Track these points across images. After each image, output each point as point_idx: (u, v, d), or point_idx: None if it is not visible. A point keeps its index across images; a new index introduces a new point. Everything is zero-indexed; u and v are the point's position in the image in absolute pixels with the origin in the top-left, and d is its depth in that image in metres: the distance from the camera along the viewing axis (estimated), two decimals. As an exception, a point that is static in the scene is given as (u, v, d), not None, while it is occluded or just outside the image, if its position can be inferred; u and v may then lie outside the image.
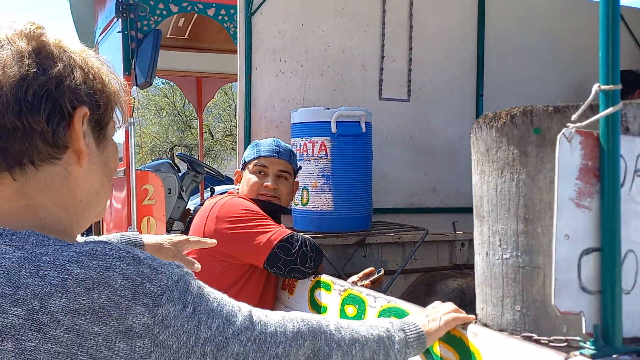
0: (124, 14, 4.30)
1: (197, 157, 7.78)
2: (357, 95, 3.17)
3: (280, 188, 2.18)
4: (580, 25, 3.70)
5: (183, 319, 0.78)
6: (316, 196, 2.56)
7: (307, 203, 2.59)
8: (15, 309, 0.72)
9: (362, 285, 1.92)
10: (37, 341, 0.71)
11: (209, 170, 5.65)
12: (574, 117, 1.00)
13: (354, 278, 2.05)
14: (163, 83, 20.16)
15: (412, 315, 1.26)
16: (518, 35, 3.59)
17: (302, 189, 2.59)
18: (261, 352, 0.87)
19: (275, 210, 2.15)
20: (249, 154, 2.25)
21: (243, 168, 2.26)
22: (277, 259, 1.89)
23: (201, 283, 0.86)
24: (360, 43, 3.18)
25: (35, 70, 0.80)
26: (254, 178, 2.17)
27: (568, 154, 1.00)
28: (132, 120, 4.28)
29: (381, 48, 3.23)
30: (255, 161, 2.19)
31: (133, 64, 4.28)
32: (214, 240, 1.57)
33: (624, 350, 0.99)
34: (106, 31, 4.90)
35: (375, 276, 2.03)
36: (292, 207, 2.69)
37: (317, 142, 2.55)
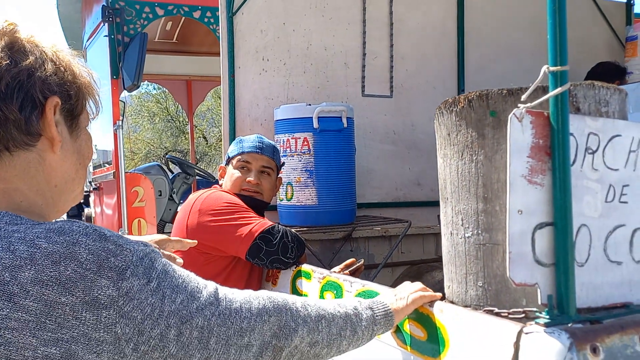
0: (110, 19, 4.34)
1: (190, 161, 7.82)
2: (340, 92, 3.21)
3: (262, 183, 2.22)
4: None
5: (147, 292, 0.83)
6: (300, 191, 2.61)
7: (291, 198, 2.63)
8: None
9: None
10: (8, 310, 0.75)
11: (199, 172, 5.69)
12: (523, 97, 1.05)
13: (336, 269, 2.09)
14: (155, 89, 20.22)
15: (381, 295, 1.30)
16: (499, 29, 3.64)
17: (287, 184, 2.63)
18: (225, 327, 0.91)
19: (257, 205, 2.19)
20: (232, 149, 2.30)
21: (227, 163, 2.30)
22: (259, 250, 1.94)
23: (167, 261, 0.90)
24: (342, 40, 3.23)
25: (7, 62, 0.86)
26: (237, 173, 2.21)
27: (519, 132, 1.05)
28: (120, 124, 4.33)
29: (363, 45, 3.28)
30: (239, 157, 2.24)
31: (120, 67, 4.32)
32: (194, 241, 1.61)
33: (577, 319, 1.04)
34: (93, 36, 4.94)
35: (355, 266, 2.08)
36: (277, 203, 2.73)
37: (299, 138, 2.60)
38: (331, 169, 2.61)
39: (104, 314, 0.78)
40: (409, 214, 3.15)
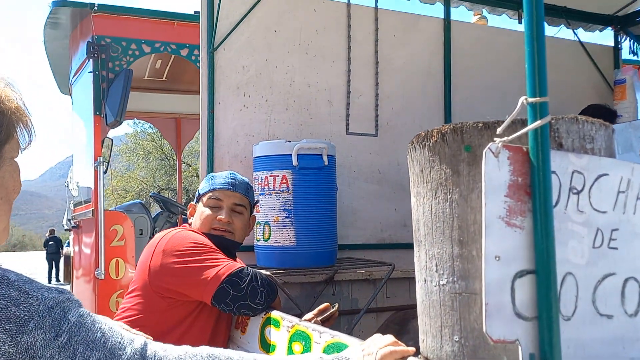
0: (95, 55, 4.30)
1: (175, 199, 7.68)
2: (324, 130, 3.13)
3: (234, 222, 2.10)
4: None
5: (54, 349, 0.71)
6: (278, 231, 2.48)
7: (269, 238, 2.50)
8: None
9: (315, 322, 1.83)
10: None
11: (184, 210, 5.56)
12: (499, 130, 0.95)
13: (309, 315, 1.95)
14: (151, 127, 20.23)
15: (348, 349, 1.17)
16: (484, 69, 3.61)
17: (264, 224, 2.51)
18: None
19: (229, 245, 2.07)
20: (203, 186, 2.19)
21: (197, 201, 2.19)
22: (226, 294, 1.80)
23: (87, 312, 0.78)
24: (326, 78, 3.17)
25: None
26: (207, 211, 2.10)
27: (495, 169, 0.95)
28: (101, 160, 4.23)
29: (347, 83, 3.22)
30: (210, 194, 2.12)
31: (103, 103, 4.25)
32: None
33: (563, 381, 0.91)
34: (79, 72, 4.89)
35: (330, 312, 1.94)
36: (254, 243, 2.61)
37: (278, 176, 2.49)
38: (311, 208, 2.49)
39: None
40: (394, 257, 3.02)
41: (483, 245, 0.93)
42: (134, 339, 0.82)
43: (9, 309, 0.69)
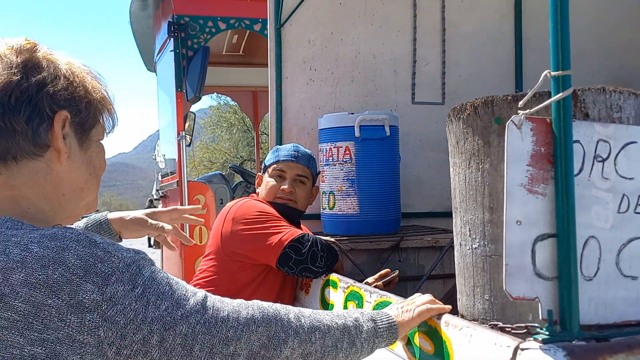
0: (176, 34, 4.54)
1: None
2: (389, 100, 3.19)
3: (297, 192, 2.25)
4: (625, 18, 3.57)
5: (131, 298, 0.86)
6: (342, 200, 2.60)
7: (333, 207, 2.63)
8: None
9: (376, 287, 1.95)
10: None
11: (262, 180, 5.80)
12: (520, 103, 1.01)
13: (370, 280, 2.07)
14: (233, 100, 20.83)
15: (388, 307, 1.28)
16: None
17: (329, 193, 2.64)
18: (210, 335, 0.92)
19: (291, 213, 2.22)
20: (269, 158, 2.34)
21: (263, 172, 2.34)
22: (289, 258, 1.96)
23: (158, 269, 0.93)
24: (392, 48, 3.20)
25: (18, 78, 0.92)
26: (272, 181, 2.25)
27: (518, 140, 1.01)
28: (183, 134, 4.50)
29: (413, 52, 3.24)
30: (274, 165, 2.27)
31: (184, 80, 4.50)
32: (196, 206, 1.63)
33: (580, 336, 0.98)
34: (162, 51, 5.18)
35: (390, 276, 2.05)
36: (320, 211, 2.75)
37: (341, 147, 2.60)
38: (373, 178, 2.59)
39: (88, 318, 0.82)
40: (461, 224, 3.06)
41: (504, 211, 1.00)
42: (197, 291, 0.96)
43: (96, 265, 0.84)
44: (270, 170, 2.29)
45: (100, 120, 1.04)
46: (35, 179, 0.94)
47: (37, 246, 0.84)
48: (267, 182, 2.27)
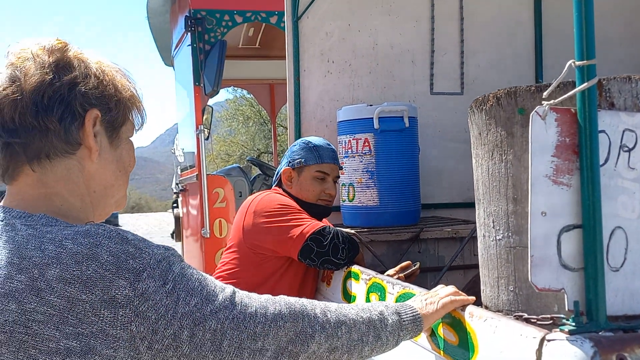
0: (193, 28, 4.55)
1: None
2: (407, 91, 3.18)
3: (335, 193, 2.30)
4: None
5: (162, 294, 0.87)
6: (361, 192, 2.61)
7: (353, 199, 2.64)
8: (20, 276, 0.85)
9: (398, 279, 1.95)
10: (35, 304, 0.83)
11: (279, 173, 5.82)
12: (545, 94, 1.01)
13: (391, 272, 2.08)
14: (248, 93, 20.88)
15: (412, 298, 1.29)
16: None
17: (349, 185, 2.65)
18: (239, 330, 0.94)
19: (327, 213, 2.28)
20: (307, 156, 2.28)
21: (295, 168, 2.29)
22: (310, 250, 1.97)
23: (187, 265, 0.94)
24: (409, 39, 3.19)
25: (51, 77, 0.94)
26: (315, 183, 2.26)
27: (542, 131, 1.00)
28: (202, 128, 4.53)
29: (431, 42, 3.22)
30: (318, 167, 2.26)
31: (202, 74, 4.52)
32: None
33: (607, 327, 0.97)
34: (179, 45, 5.21)
35: (411, 269, 2.06)
36: (340, 204, 2.75)
37: (360, 139, 2.60)
38: (392, 170, 2.59)
39: (121, 313, 0.84)
40: (481, 214, 3.05)
41: (529, 202, 1.00)
42: (225, 287, 0.98)
43: (128, 261, 0.86)
44: (312, 171, 2.26)
45: (130, 118, 1.05)
46: (68, 177, 0.96)
47: (71, 243, 0.86)
48: (309, 182, 2.25)
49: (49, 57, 0.95)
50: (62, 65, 0.95)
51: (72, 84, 0.95)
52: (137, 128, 1.09)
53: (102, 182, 1.00)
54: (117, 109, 1.01)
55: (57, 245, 0.86)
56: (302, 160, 2.29)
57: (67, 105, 0.94)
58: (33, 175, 0.94)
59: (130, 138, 1.08)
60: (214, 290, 0.94)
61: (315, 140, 2.35)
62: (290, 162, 2.31)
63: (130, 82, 1.06)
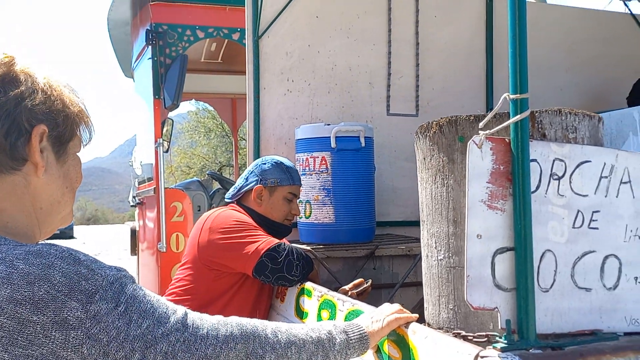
0: (154, 41, 4.55)
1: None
2: (364, 111, 3.26)
3: (299, 213, 2.41)
4: (592, 34, 3.70)
5: (114, 316, 0.88)
6: (318, 209, 2.66)
7: (309, 216, 2.68)
8: None
9: (350, 295, 2.00)
10: None
11: (239, 188, 5.81)
12: (481, 124, 1.07)
13: (345, 288, 2.13)
14: (212, 107, 20.73)
15: (359, 317, 1.33)
16: (530, 47, 3.59)
17: (305, 202, 2.69)
18: (190, 353, 0.95)
19: (290, 231, 2.36)
20: (282, 177, 2.31)
21: (267, 187, 2.30)
22: (265, 267, 2.00)
23: (139, 287, 0.95)
24: (367, 61, 3.28)
25: None
26: (285, 203, 2.31)
27: (478, 158, 1.07)
28: (161, 141, 4.51)
29: (388, 65, 3.32)
30: (291, 188, 2.32)
31: (162, 87, 4.52)
32: None
33: (537, 344, 1.04)
34: (139, 58, 5.18)
35: (363, 287, 2.11)
36: (297, 220, 2.79)
37: (317, 157, 2.65)
38: (349, 188, 2.65)
39: (72, 335, 0.84)
40: (433, 233, 3.13)
41: (466, 225, 1.06)
42: (177, 309, 0.99)
43: (81, 283, 0.86)
44: (284, 192, 2.30)
45: (77, 133, 1.04)
46: (14, 193, 0.95)
47: (23, 263, 0.85)
48: (279, 203, 2.30)
49: None
50: (8, 80, 0.94)
51: (18, 99, 0.93)
52: (84, 143, 1.07)
53: (49, 198, 0.99)
54: (64, 124, 1.00)
55: (8, 265, 0.85)
56: (278, 180, 2.31)
57: (13, 120, 0.92)
58: None
59: (78, 153, 1.08)
60: (165, 312, 0.95)
61: (286, 161, 2.38)
62: (262, 180, 2.30)
63: (78, 98, 1.06)
